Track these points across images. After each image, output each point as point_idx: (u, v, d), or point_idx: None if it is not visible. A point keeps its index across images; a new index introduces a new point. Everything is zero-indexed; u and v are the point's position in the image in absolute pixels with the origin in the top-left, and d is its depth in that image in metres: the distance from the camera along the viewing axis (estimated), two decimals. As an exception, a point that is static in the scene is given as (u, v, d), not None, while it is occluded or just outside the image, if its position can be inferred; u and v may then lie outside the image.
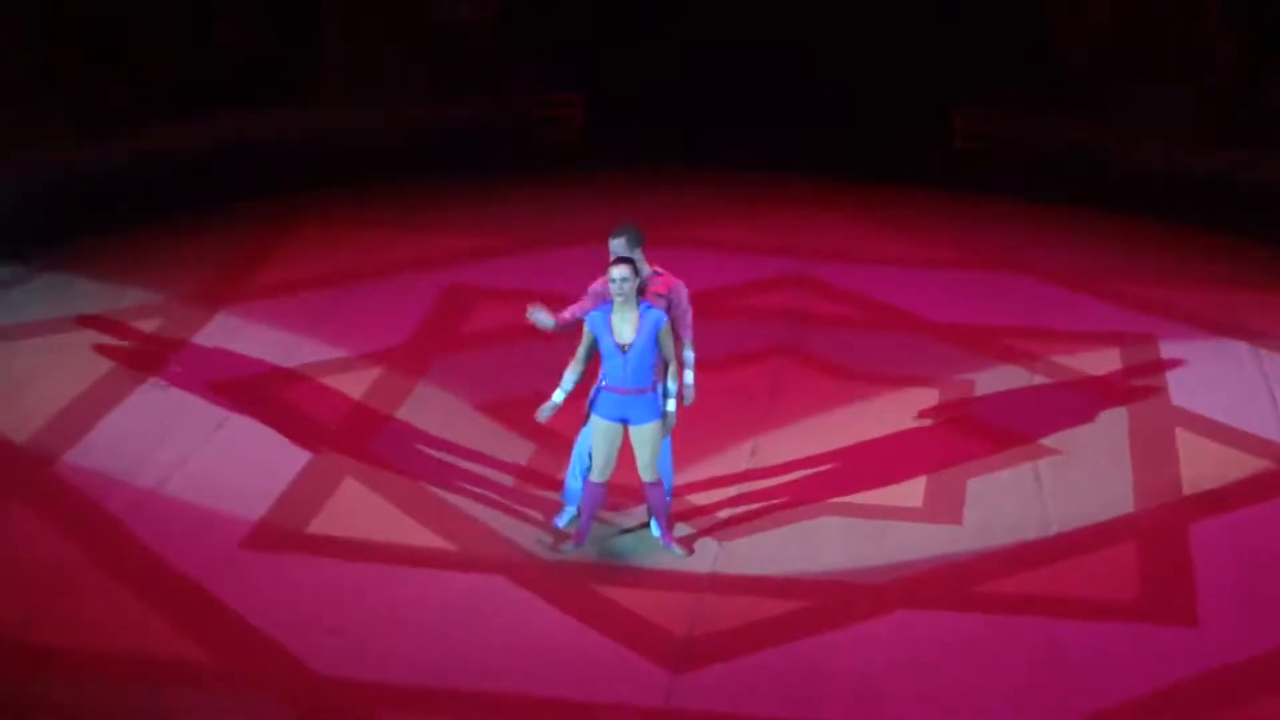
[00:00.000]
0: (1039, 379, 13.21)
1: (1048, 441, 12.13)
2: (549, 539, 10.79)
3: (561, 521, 10.97)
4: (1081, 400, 12.83)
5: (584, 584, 10.38)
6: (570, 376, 10.56)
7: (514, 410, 12.30)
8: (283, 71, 18.78)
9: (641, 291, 10.39)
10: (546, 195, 17.11)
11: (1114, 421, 12.48)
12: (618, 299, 10.24)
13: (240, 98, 18.22)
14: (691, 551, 10.67)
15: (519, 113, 18.98)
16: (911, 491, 11.49)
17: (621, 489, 11.00)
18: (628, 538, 10.88)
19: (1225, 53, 18.41)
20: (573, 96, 19.21)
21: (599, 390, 10.46)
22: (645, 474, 10.54)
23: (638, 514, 11.01)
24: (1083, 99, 18.58)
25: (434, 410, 12.44)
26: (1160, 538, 11.03)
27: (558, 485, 11.27)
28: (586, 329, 10.39)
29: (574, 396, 10.60)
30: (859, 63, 19.21)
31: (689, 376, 10.67)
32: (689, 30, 19.79)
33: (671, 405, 10.53)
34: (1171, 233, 16.39)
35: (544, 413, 10.58)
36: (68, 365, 12.90)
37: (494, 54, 19.37)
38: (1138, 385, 13.08)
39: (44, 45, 17.48)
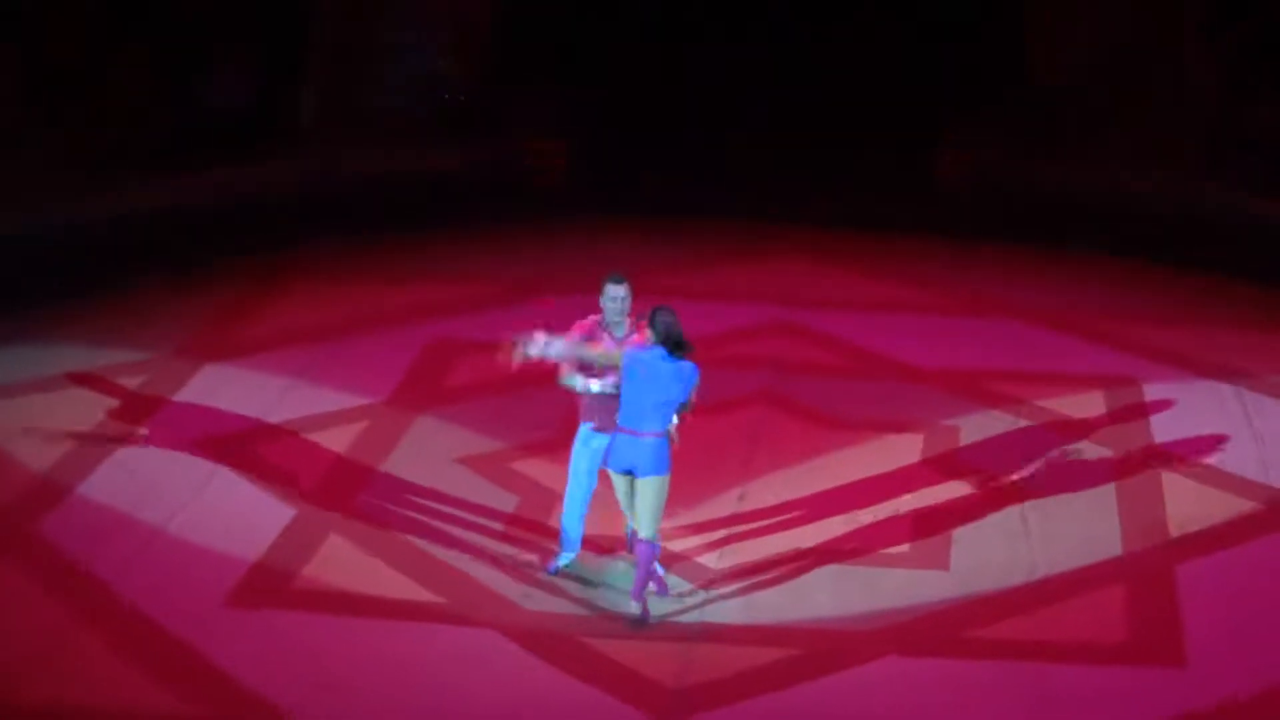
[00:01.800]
0: (1024, 422, 13.21)
1: (1034, 487, 12.13)
2: (537, 591, 10.77)
3: (554, 569, 10.96)
4: (1066, 443, 12.84)
5: (573, 636, 10.35)
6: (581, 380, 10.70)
7: (499, 462, 12.32)
8: (268, 122, 18.80)
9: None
10: (532, 244, 17.12)
11: (1099, 464, 12.49)
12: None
13: (226, 149, 18.22)
14: (645, 612, 10.50)
15: (504, 161, 18.98)
16: (898, 537, 11.48)
17: (605, 539, 11.01)
18: (611, 588, 10.84)
19: (1205, 84, 18.48)
20: (558, 145, 19.22)
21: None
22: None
23: (621, 562, 11.01)
24: (1064, 135, 18.63)
25: (420, 463, 12.41)
26: (1147, 580, 11.03)
27: (546, 534, 11.25)
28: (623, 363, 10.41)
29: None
30: (838, 106, 19.28)
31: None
32: (673, 77, 19.85)
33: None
34: (1154, 271, 16.44)
35: (531, 348, 10.52)
36: (54, 423, 12.85)
37: (480, 103, 19.40)
38: (1122, 427, 13.10)
39: (30, 98, 17.48)
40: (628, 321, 10.71)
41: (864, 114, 19.08)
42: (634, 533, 10.65)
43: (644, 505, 10.39)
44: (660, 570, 10.78)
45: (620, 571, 10.96)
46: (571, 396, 10.89)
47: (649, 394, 10.27)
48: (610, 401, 10.56)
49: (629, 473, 10.41)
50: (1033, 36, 19.31)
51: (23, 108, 17.39)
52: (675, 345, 10.29)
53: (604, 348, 10.56)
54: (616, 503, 10.67)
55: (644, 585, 10.53)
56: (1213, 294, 15.87)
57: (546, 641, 10.26)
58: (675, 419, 10.49)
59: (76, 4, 17.57)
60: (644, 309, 10.61)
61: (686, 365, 10.34)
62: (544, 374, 10.94)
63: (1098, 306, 15.58)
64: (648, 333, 10.44)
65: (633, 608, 10.50)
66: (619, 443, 10.38)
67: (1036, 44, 19.27)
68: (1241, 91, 18.32)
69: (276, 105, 18.87)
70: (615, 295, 10.65)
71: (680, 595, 10.73)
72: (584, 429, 10.83)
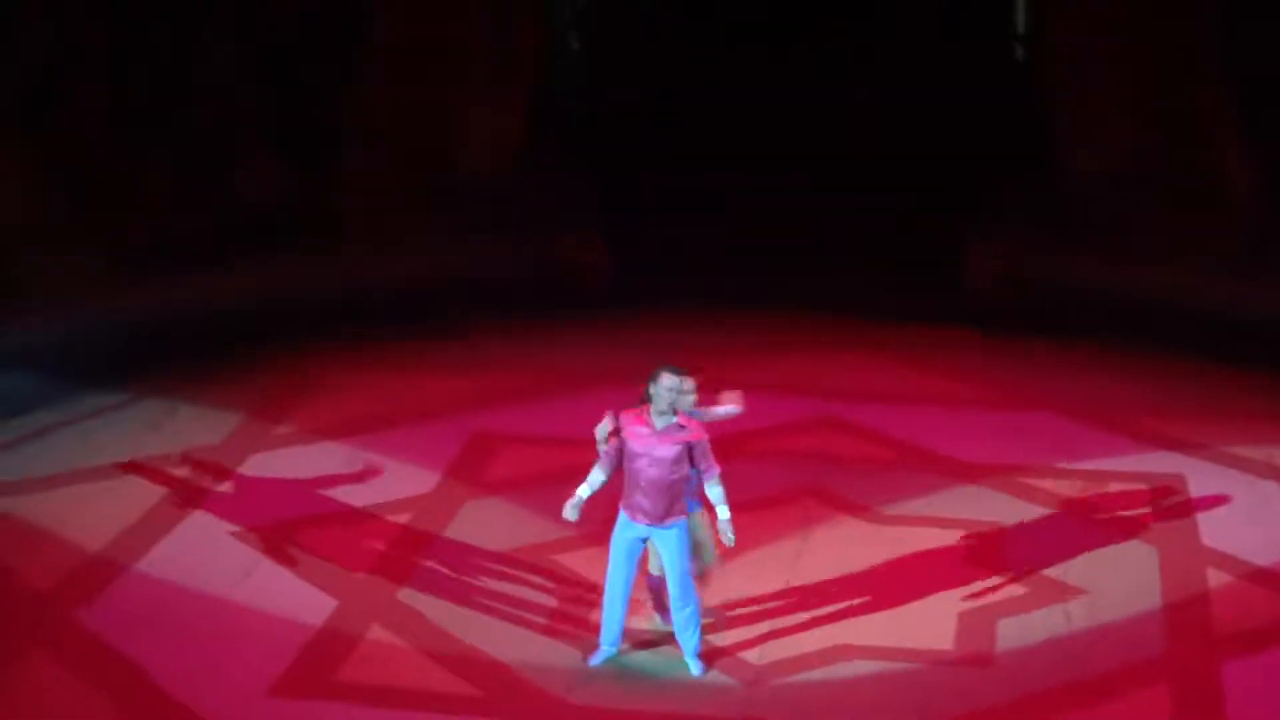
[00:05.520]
0: (1067, 518, 13.17)
1: (1077, 581, 12.09)
2: (580, 682, 10.76)
3: (596, 661, 10.96)
4: (1111, 539, 12.79)
5: (615, 730, 10.36)
6: (598, 475, 10.83)
7: (541, 554, 12.34)
8: (303, 219, 18.95)
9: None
10: (572, 337, 17.19)
11: (1144, 560, 12.44)
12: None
13: (261, 246, 18.36)
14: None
15: (541, 255, 19.09)
16: (942, 631, 11.44)
17: (648, 631, 11.03)
18: (654, 680, 10.83)
19: (1243, 184, 18.50)
20: (594, 240, 19.30)
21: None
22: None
23: (664, 654, 10.99)
24: (1102, 231, 18.66)
25: (463, 554, 12.44)
26: (1193, 679, 10.95)
27: (589, 626, 11.25)
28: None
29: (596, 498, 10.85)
30: (877, 200, 19.38)
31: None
32: (713, 169, 20.00)
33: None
34: (1198, 367, 16.37)
35: (570, 510, 10.81)
36: (93, 514, 12.94)
37: (516, 197, 19.53)
38: (1167, 524, 13.05)
39: (64, 194, 17.67)
40: (677, 416, 10.72)
41: (899, 206, 19.17)
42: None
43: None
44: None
45: (661, 663, 10.94)
46: (614, 488, 10.93)
47: None
48: (655, 490, 10.61)
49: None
50: (1069, 132, 19.37)
51: (59, 203, 17.57)
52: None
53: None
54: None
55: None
56: (1258, 390, 15.80)
57: (589, 735, 10.26)
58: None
59: (107, 106, 17.78)
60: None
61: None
62: (588, 465, 11.00)
63: (1139, 401, 15.54)
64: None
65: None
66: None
67: (1071, 137, 19.32)
68: (1273, 186, 18.35)
69: (310, 202, 19.02)
70: (670, 385, 10.60)
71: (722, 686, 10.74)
72: (622, 516, 10.85)
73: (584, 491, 10.84)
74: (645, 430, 10.68)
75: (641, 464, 10.67)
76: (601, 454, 10.86)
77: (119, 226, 17.76)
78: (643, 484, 10.68)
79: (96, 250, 17.48)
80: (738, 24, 20.65)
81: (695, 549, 11.00)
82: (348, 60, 19.46)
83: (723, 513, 10.72)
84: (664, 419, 10.68)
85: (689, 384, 10.87)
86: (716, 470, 10.69)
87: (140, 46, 18.16)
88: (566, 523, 10.92)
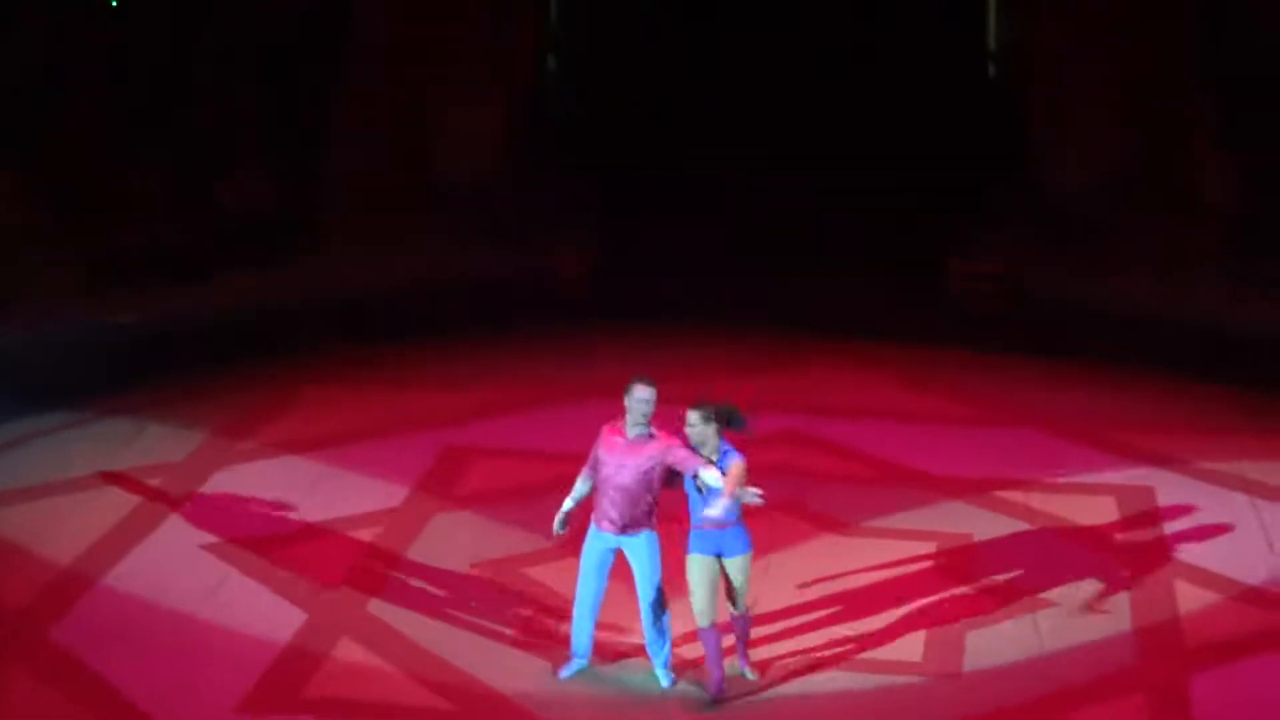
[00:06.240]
0: (1037, 531, 13.19)
1: (1047, 594, 12.10)
2: (549, 694, 10.75)
3: (567, 673, 10.96)
4: (1080, 551, 12.82)
5: (585, 743, 10.36)
6: (581, 487, 10.91)
7: (512, 567, 12.34)
8: (285, 229, 18.92)
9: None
10: (549, 350, 17.19)
11: (1113, 573, 12.46)
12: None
13: (242, 256, 18.34)
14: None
15: (527, 263, 19.05)
16: (911, 644, 11.46)
17: (618, 645, 11.03)
18: (625, 692, 10.83)
19: (1224, 198, 18.53)
20: (580, 248, 19.28)
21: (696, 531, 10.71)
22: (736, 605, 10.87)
23: (634, 667, 11.00)
24: (1083, 240, 18.69)
25: (434, 568, 12.43)
26: (1162, 691, 10.97)
27: (560, 640, 11.25)
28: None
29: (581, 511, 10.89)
30: (856, 212, 19.40)
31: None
32: (691, 182, 20.01)
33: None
34: (1173, 379, 16.40)
35: (556, 524, 10.97)
36: (69, 526, 12.92)
37: (500, 209, 19.52)
38: (1137, 536, 13.08)
39: (47, 206, 17.64)
40: (650, 427, 10.73)
41: (880, 221, 19.17)
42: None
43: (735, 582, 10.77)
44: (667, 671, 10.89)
45: (632, 676, 10.94)
46: (586, 503, 10.96)
47: None
48: (622, 499, 10.66)
49: (718, 555, 10.73)
50: (1050, 147, 19.41)
51: (41, 215, 17.54)
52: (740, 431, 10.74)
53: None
54: (627, 605, 10.70)
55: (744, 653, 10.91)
56: (1228, 403, 15.84)
57: (559, 748, 10.26)
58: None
59: (97, 115, 17.75)
60: (665, 415, 10.70)
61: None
62: (561, 480, 11.01)
63: (1112, 414, 15.56)
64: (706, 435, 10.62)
65: (748, 674, 10.93)
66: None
67: (1053, 155, 19.35)
68: (1256, 200, 18.38)
69: (292, 211, 19.00)
70: (642, 398, 10.68)
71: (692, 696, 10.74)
72: (592, 527, 10.88)
73: (568, 504, 10.99)
74: (620, 440, 10.75)
75: (609, 471, 10.75)
76: (585, 467, 10.95)
77: (107, 231, 17.72)
78: (610, 492, 10.74)
79: (83, 256, 17.45)
80: (728, 29, 20.65)
81: (730, 592, 10.94)
82: (338, 62, 19.45)
83: (731, 468, 10.63)
84: (636, 429, 10.72)
85: (646, 393, 10.79)
86: (700, 461, 10.66)
87: (136, 48, 18.14)
88: (537, 535, 10.91)
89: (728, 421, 10.69)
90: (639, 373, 10.91)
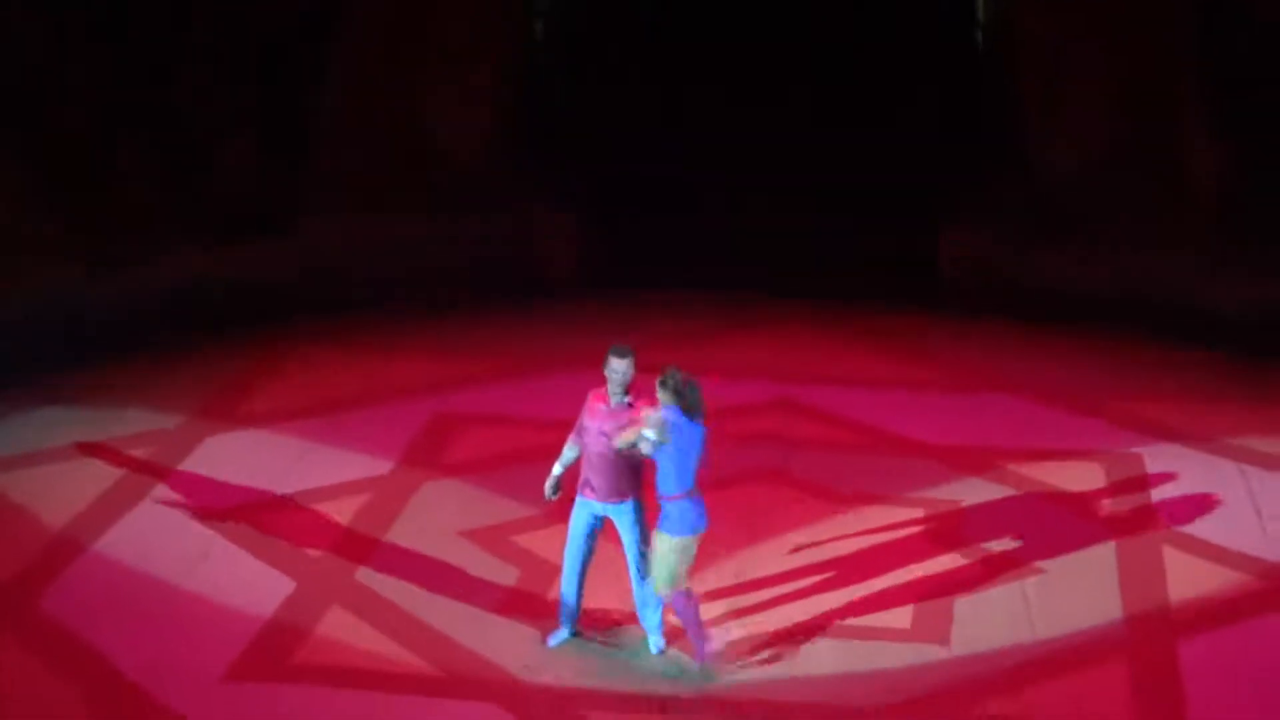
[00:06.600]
0: (1026, 498, 13.21)
1: (1035, 561, 12.12)
2: (537, 662, 10.76)
3: (554, 641, 10.96)
4: (1068, 519, 12.84)
5: (575, 709, 10.34)
6: (569, 453, 10.93)
7: (501, 535, 12.33)
8: (270, 198, 18.84)
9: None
10: (536, 319, 17.17)
11: (1101, 540, 12.48)
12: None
13: (232, 228, 18.26)
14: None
15: (512, 238, 19.00)
16: (900, 612, 11.47)
17: (607, 611, 11.03)
18: (614, 660, 10.83)
19: (1211, 173, 18.50)
20: (564, 220, 19.21)
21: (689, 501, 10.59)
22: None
23: (624, 634, 11.00)
24: (1069, 218, 18.66)
25: (421, 535, 12.42)
26: (1150, 656, 11.00)
27: (546, 608, 11.25)
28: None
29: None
30: (845, 186, 19.35)
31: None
32: (681, 149, 19.94)
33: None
34: (1162, 353, 16.38)
35: (548, 489, 10.97)
36: (56, 495, 12.90)
37: (487, 180, 19.44)
38: (1124, 503, 13.09)
39: (34, 179, 17.53)
40: (629, 396, 10.76)
41: (867, 197, 19.13)
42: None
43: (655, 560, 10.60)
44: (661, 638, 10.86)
45: (621, 643, 10.94)
46: (574, 469, 10.95)
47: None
48: (603, 465, 10.65)
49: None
50: (1038, 122, 19.35)
51: (29, 188, 17.44)
52: (689, 408, 10.46)
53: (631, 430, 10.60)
54: (619, 573, 10.70)
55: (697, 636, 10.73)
56: (1217, 373, 15.84)
57: (547, 714, 10.25)
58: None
59: (80, 96, 17.64)
60: (646, 383, 10.68)
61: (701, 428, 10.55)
62: (549, 447, 11.00)
63: (1098, 384, 15.57)
64: (660, 400, 10.53)
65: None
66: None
67: (1038, 132, 19.31)
68: (1246, 178, 18.35)
69: (278, 180, 18.91)
70: (615, 368, 10.74)
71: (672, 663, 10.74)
72: (579, 495, 10.89)
73: (556, 469, 11.03)
74: (603, 407, 10.82)
75: (590, 438, 10.82)
76: (572, 434, 10.96)
77: (93, 210, 17.63)
78: (593, 459, 10.81)
79: (68, 233, 17.36)
80: (718, 18, 20.58)
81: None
82: (325, 45, 19.35)
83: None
84: (616, 398, 10.77)
85: (619, 363, 10.76)
86: (616, 440, 10.63)
87: (124, 34, 18.04)
88: (525, 503, 10.89)
89: (678, 395, 10.59)
90: (625, 342, 10.93)
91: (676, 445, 10.47)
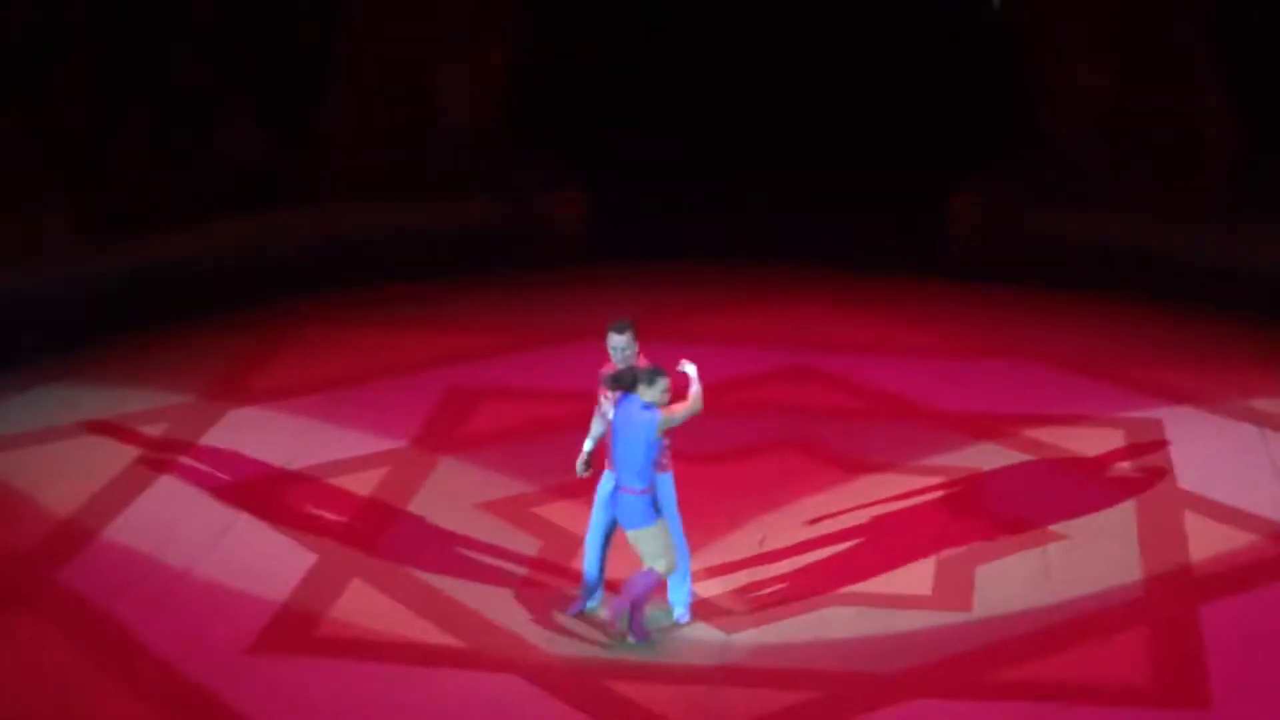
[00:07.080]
0: (1044, 464, 13.20)
1: (1055, 526, 12.11)
2: (559, 635, 10.78)
3: (575, 611, 10.97)
4: (1088, 484, 12.82)
5: (596, 680, 10.35)
6: (597, 427, 10.91)
7: (521, 506, 12.33)
8: (283, 174, 18.82)
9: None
10: (549, 292, 17.15)
11: (1121, 505, 12.46)
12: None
13: (240, 202, 18.24)
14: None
15: (522, 211, 18.98)
16: (920, 579, 11.47)
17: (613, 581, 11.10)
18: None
19: (1224, 135, 18.44)
20: (575, 193, 19.17)
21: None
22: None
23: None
24: (1082, 183, 18.61)
25: (442, 507, 12.42)
26: (1171, 621, 10.99)
27: (567, 578, 11.27)
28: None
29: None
30: (856, 151, 19.31)
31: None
32: (689, 122, 19.90)
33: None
34: (1176, 316, 16.35)
35: (579, 467, 10.95)
36: (72, 472, 12.90)
37: (496, 153, 19.41)
38: (1144, 468, 13.08)
39: (43, 153, 17.52)
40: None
41: (877, 164, 19.09)
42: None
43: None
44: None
45: (644, 614, 10.96)
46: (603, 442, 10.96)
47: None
48: (612, 438, 10.66)
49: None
50: (1049, 85, 19.29)
51: (38, 162, 17.42)
52: (628, 385, 10.41)
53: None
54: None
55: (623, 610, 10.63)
56: (1237, 338, 15.80)
57: (568, 685, 10.26)
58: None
59: (82, 67, 17.62)
60: (656, 355, 10.67)
61: (650, 414, 10.38)
62: (566, 419, 10.98)
63: (1118, 350, 15.54)
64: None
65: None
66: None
67: (1052, 93, 19.25)
68: (1259, 139, 18.29)
69: (290, 157, 18.89)
70: (615, 344, 10.69)
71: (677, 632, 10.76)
72: (606, 473, 10.86)
73: (587, 445, 10.99)
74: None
75: (604, 410, 10.83)
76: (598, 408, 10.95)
77: (96, 185, 17.61)
78: (609, 432, 10.75)
79: (71, 209, 17.34)
80: None
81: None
82: (329, 15, 19.31)
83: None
84: None
85: (617, 339, 10.73)
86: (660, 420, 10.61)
87: (124, 6, 18.02)
88: (544, 475, 10.86)
89: (628, 383, 10.51)
90: (632, 315, 10.93)
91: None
